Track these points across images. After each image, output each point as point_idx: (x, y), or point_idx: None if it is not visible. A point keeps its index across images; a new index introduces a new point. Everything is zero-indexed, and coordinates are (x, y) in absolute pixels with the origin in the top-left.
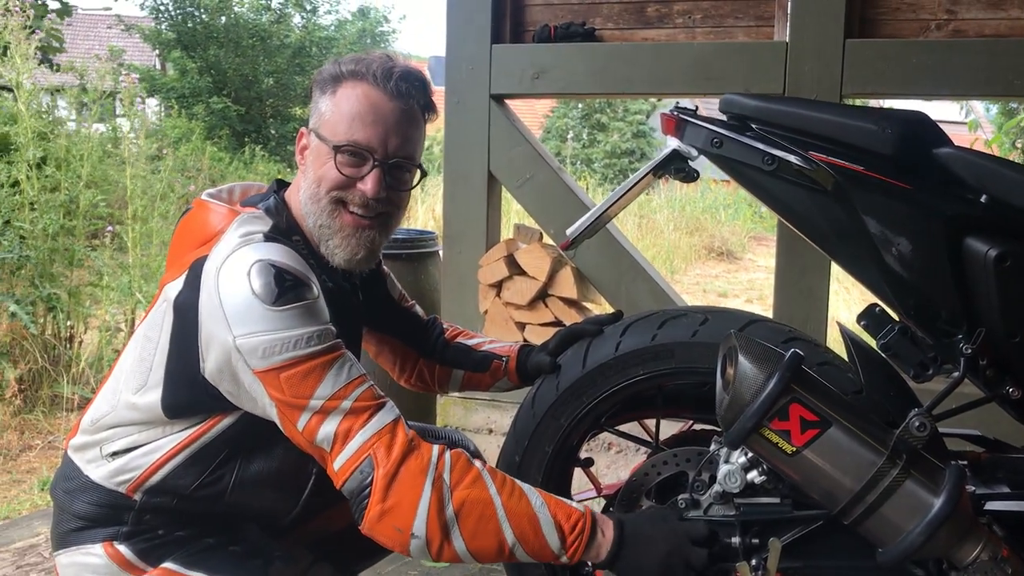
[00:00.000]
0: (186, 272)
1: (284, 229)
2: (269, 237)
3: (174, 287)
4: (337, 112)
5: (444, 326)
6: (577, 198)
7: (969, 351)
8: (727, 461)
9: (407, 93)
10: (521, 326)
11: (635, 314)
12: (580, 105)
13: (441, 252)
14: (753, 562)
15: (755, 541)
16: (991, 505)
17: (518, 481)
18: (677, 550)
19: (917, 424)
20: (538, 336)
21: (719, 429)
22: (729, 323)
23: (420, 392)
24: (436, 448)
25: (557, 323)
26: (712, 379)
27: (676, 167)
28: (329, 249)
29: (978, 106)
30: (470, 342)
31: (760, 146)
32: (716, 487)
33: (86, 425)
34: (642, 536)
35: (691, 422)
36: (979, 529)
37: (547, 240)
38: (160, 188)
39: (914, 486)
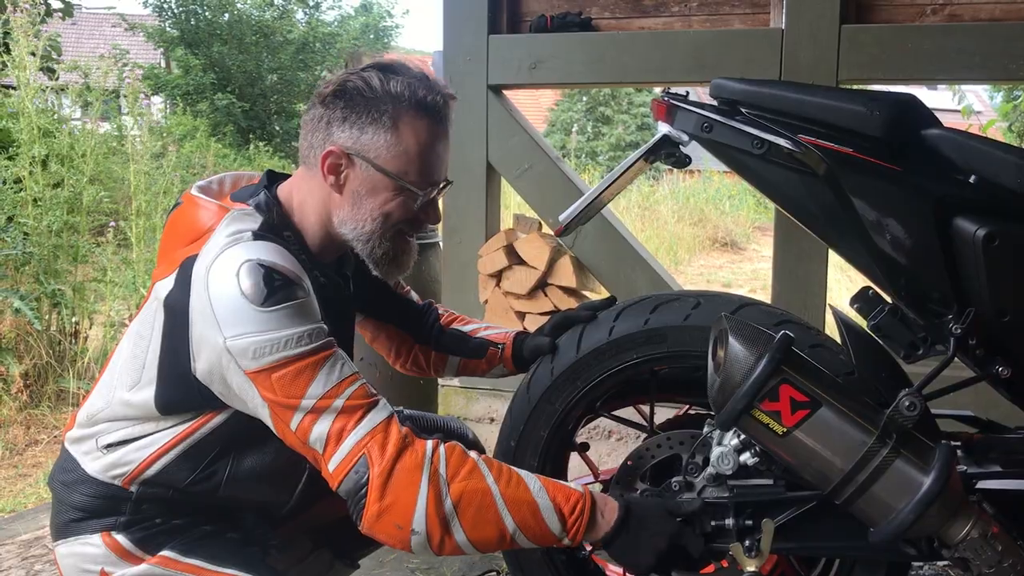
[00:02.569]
0: (176, 270)
1: (274, 225)
2: (258, 235)
3: (164, 285)
4: (403, 148)
5: (439, 311)
6: (576, 187)
7: (959, 331)
8: (720, 443)
9: (449, 115)
10: (521, 315)
11: (629, 299)
12: (584, 98)
13: (441, 243)
14: (747, 543)
15: (748, 522)
16: (982, 484)
17: (515, 468)
18: (676, 539)
19: (907, 404)
20: (537, 324)
21: (712, 413)
22: (721, 306)
23: (417, 376)
24: (430, 443)
25: (556, 312)
26: (705, 363)
27: (667, 152)
28: (381, 265)
29: (980, 93)
30: (466, 328)
31: (749, 130)
32: (709, 469)
33: (82, 419)
34: (645, 520)
35: (687, 407)
36: (969, 507)
37: (546, 230)
38: (163, 183)
39: (904, 465)
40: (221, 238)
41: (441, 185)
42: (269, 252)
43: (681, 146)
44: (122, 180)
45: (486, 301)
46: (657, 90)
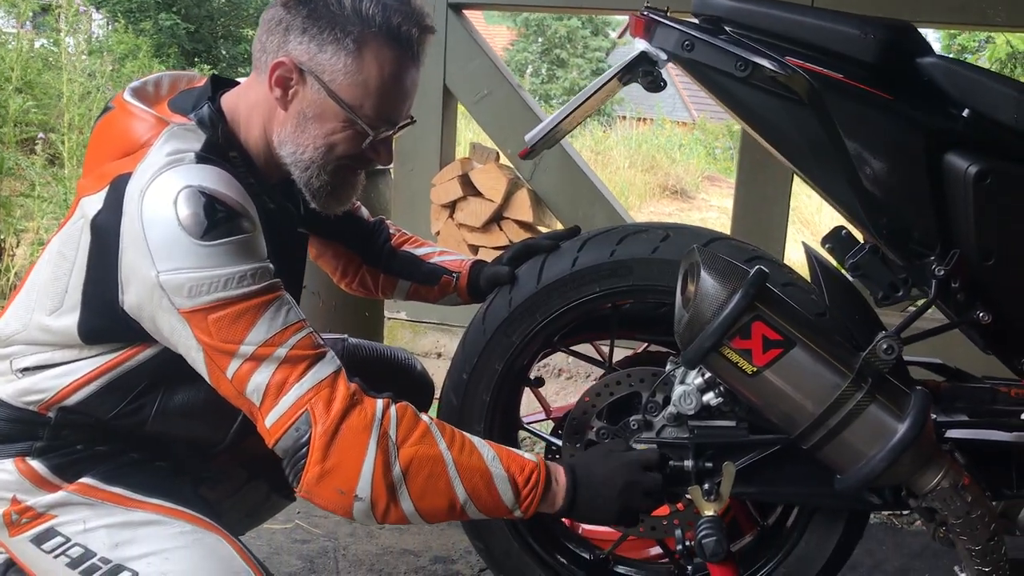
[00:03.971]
0: (107, 188)
1: (219, 145)
2: (201, 157)
3: (92, 203)
4: (363, 79)
5: (391, 231)
6: (536, 116)
7: (941, 273)
8: (683, 382)
9: (423, 50)
10: (474, 248)
11: (594, 230)
12: (540, 39)
13: (391, 170)
14: (706, 486)
15: (708, 465)
16: (952, 433)
17: (468, 435)
18: (632, 482)
19: (885, 347)
20: (490, 258)
21: (675, 351)
22: (691, 239)
23: (363, 299)
24: (380, 401)
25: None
26: (671, 299)
27: (644, 70)
28: (318, 197)
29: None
30: (418, 252)
31: (734, 50)
32: (670, 408)
33: None
34: (595, 476)
35: (646, 344)
36: (941, 456)
37: (504, 160)
38: (98, 97)
39: (878, 411)
40: (159, 157)
41: (400, 125)
42: (212, 178)
43: (658, 66)
44: (57, 95)
45: (438, 233)
46: (614, 37)
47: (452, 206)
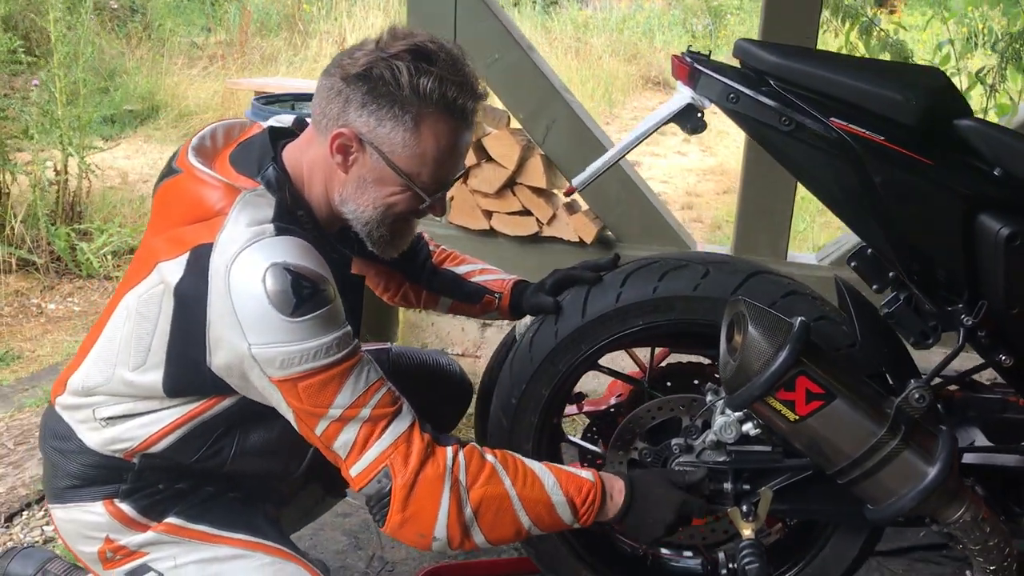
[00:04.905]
0: (187, 256)
1: (288, 206)
2: (279, 228)
3: (172, 270)
4: (421, 152)
5: (431, 247)
6: (548, 82)
7: (970, 323)
8: (723, 413)
9: (476, 115)
10: (488, 214)
11: (634, 263)
12: None
13: None
14: (744, 508)
15: (746, 487)
16: (968, 458)
17: (528, 463)
18: (681, 513)
19: (916, 396)
20: (504, 224)
21: (706, 361)
22: (730, 274)
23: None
24: (450, 450)
25: (525, 211)
26: (710, 331)
27: (688, 117)
28: (383, 250)
29: None
30: (459, 270)
31: (778, 106)
32: (711, 436)
33: (76, 387)
34: (651, 499)
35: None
36: (964, 492)
37: (514, 124)
38: (84, 32)
39: (911, 455)
40: (239, 229)
41: (454, 180)
42: (294, 252)
43: (702, 115)
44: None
45: (452, 198)
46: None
47: (466, 172)
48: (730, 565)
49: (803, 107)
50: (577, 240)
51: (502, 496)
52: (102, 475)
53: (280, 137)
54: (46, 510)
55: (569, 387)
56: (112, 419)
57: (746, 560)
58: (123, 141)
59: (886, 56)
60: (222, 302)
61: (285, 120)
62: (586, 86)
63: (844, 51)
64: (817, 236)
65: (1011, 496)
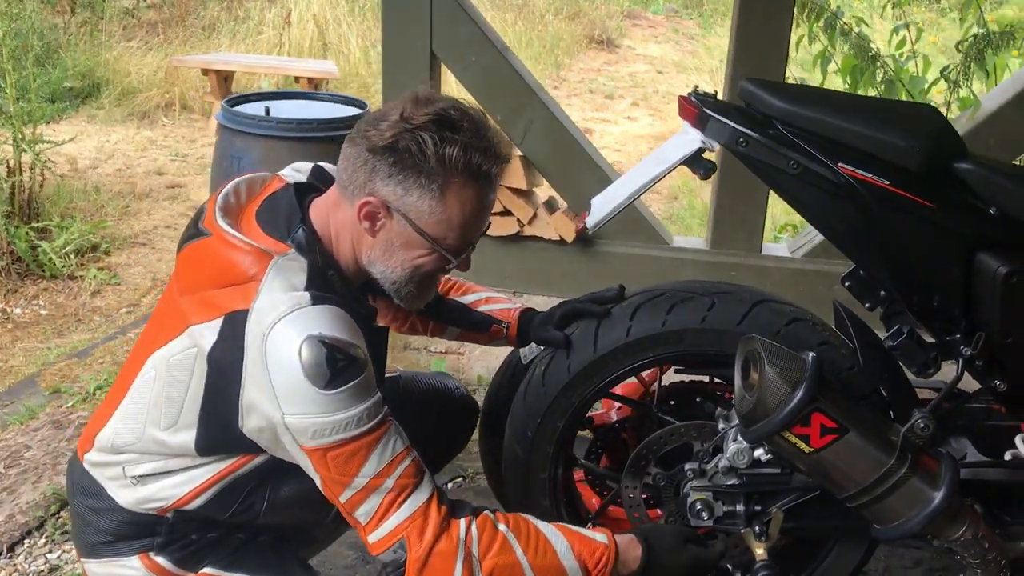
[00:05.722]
0: (220, 322)
1: (320, 268)
2: (314, 297)
3: (205, 335)
4: (447, 217)
5: None
6: (524, 83)
7: (968, 353)
8: (735, 440)
9: (500, 175)
10: None
11: (639, 295)
12: None
13: None
14: (756, 528)
15: (757, 508)
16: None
17: (541, 526)
18: (695, 569)
19: (921, 425)
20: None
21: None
22: (735, 305)
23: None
24: (463, 523)
25: (505, 212)
26: (716, 358)
27: (697, 160)
28: (411, 304)
29: None
30: (466, 299)
31: (786, 151)
32: (723, 462)
33: (104, 444)
34: (668, 561)
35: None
36: (965, 512)
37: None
38: (30, 23)
39: (918, 482)
40: (274, 297)
41: (478, 238)
42: (328, 322)
43: (707, 152)
44: None
45: None
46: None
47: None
48: None
49: (811, 152)
50: (558, 239)
51: (514, 564)
52: (135, 530)
53: (304, 193)
54: (47, 537)
55: (582, 416)
56: (144, 477)
57: None
58: (64, 122)
59: (847, 50)
60: (258, 371)
61: (303, 169)
62: (532, 48)
63: (807, 42)
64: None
65: (1003, 508)
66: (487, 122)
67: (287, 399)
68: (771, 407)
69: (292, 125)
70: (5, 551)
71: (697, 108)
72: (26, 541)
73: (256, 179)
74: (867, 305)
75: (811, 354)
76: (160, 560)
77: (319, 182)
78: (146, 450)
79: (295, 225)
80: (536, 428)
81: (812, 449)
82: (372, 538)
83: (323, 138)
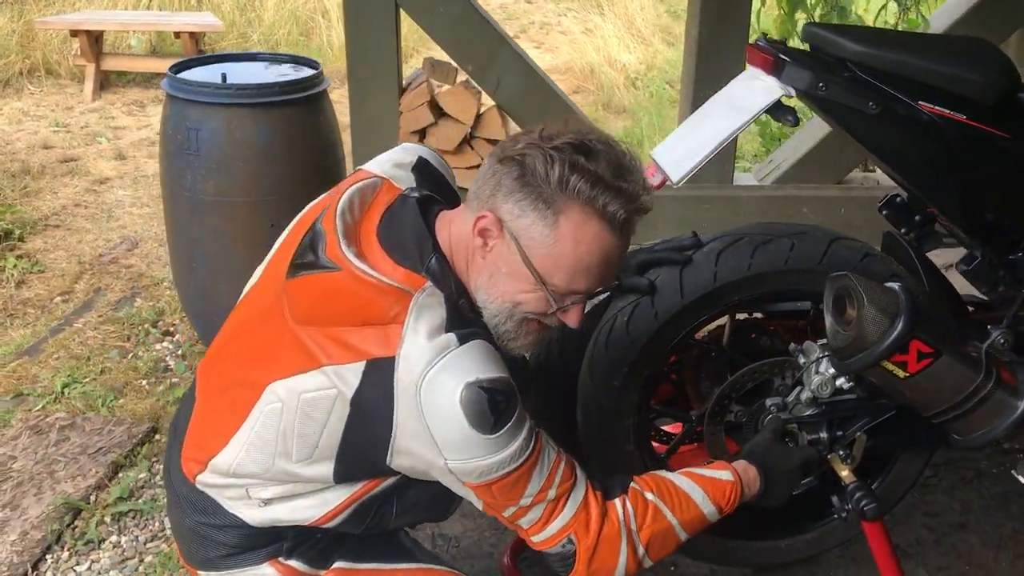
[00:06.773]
0: (363, 367)
1: (455, 300)
2: (460, 337)
3: (346, 379)
4: (557, 252)
5: None
6: (495, 32)
7: None
8: (819, 372)
9: (632, 228)
10: None
11: (718, 240)
12: None
13: (348, 91)
14: (841, 452)
15: (840, 433)
16: None
17: (678, 481)
18: (803, 478)
19: (1001, 340)
20: (466, 178)
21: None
22: (813, 244)
23: None
24: (619, 504)
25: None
26: (800, 299)
27: (780, 110)
28: (507, 345)
29: None
30: None
31: (866, 93)
32: (806, 393)
33: (223, 470)
34: (780, 476)
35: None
36: None
37: (462, 76)
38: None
39: (1002, 394)
40: (420, 344)
41: (595, 293)
42: (480, 363)
43: (786, 99)
44: None
45: None
46: None
47: (422, 132)
48: (847, 507)
49: (892, 93)
50: None
51: (667, 528)
52: (262, 540)
53: (426, 207)
54: (70, 551)
55: (668, 362)
56: (271, 500)
57: (862, 502)
58: None
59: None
60: (414, 421)
61: (404, 163)
62: None
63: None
64: None
65: None
66: (636, 165)
67: (450, 447)
68: (872, 339)
69: (252, 91)
70: (30, 571)
71: (772, 55)
72: (48, 557)
73: (367, 188)
74: (903, 230)
75: (899, 285)
76: (292, 563)
77: (428, 181)
78: (274, 479)
79: (427, 251)
80: (624, 377)
81: (908, 374)
82: (537, 539)
83: (286, 102)
